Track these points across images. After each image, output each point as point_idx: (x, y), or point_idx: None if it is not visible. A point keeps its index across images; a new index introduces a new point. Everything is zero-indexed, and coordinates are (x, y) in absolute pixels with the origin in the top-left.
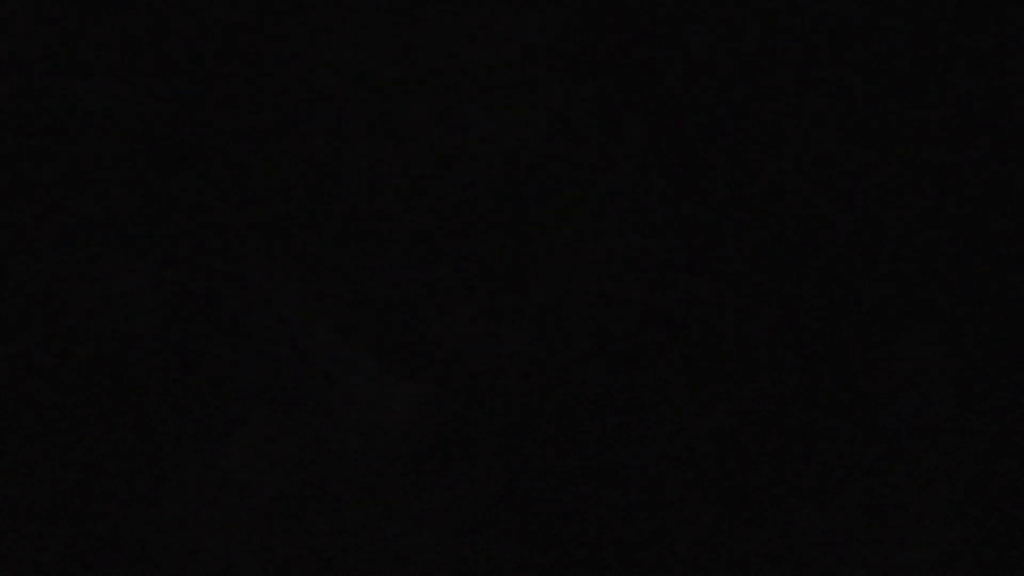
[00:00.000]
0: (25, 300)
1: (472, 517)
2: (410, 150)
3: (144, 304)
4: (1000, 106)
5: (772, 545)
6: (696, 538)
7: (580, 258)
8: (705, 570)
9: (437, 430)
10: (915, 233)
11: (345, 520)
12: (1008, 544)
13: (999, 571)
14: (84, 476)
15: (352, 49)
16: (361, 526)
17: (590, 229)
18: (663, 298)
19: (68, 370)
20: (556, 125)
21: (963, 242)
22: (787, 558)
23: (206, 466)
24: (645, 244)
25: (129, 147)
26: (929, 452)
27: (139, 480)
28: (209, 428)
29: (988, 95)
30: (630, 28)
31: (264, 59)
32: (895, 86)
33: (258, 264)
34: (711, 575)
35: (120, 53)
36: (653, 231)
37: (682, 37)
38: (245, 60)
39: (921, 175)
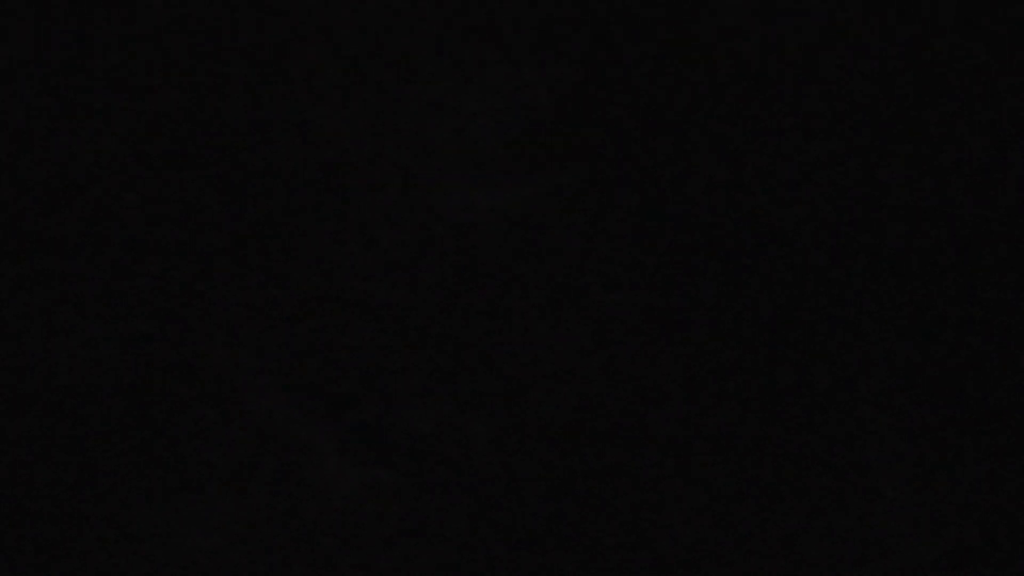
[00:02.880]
0: None
1: None
2: (383, 226)
3: (107, 365)
4: (1000, 106)
5: (771, 545)
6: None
7: (549, 341)
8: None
9: (396, 517)
10: (910, 233)
11: None
12: (1007, 546)
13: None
14: (40, 536)
15: (340, 117)
16: None
17: (561, 310)
18: (635, 379)
19: (25, 426)
20: (536, 200)
21: (957, 242)
22: (786, 558)
23: (165, 533)
24: (616, 325)
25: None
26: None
27: (99, 540)
28: (167, 497)
29: (988, 95)
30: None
31: (246, 120)
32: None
33: (224, 339)
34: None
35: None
36: (626, 312)
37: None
38: (231, 121)
39: (916, 176)
